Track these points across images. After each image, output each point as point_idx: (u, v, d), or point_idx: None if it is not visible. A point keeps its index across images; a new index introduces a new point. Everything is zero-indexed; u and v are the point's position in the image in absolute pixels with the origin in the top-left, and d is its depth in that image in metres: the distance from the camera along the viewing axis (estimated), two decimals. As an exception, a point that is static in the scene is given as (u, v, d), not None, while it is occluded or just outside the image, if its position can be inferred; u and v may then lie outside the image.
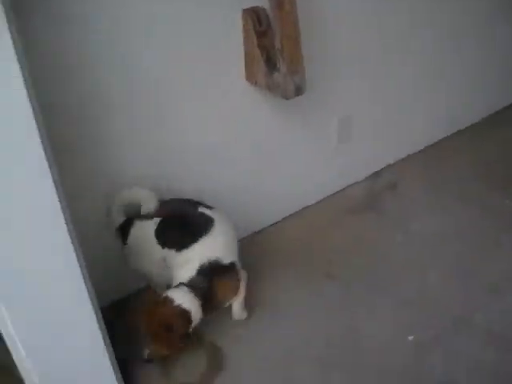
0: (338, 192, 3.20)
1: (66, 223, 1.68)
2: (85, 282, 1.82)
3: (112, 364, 2.08)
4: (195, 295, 2.22)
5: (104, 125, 2.23)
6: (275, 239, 2.90)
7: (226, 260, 2.32)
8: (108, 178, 2.33)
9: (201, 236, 2.30)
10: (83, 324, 1.91)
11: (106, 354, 2.03)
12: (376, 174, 3.36)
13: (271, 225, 2.97)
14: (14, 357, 1.96)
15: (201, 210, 2.36)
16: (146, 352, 2.24)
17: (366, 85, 2.98)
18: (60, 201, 1.63)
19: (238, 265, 2.39)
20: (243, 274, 2.45)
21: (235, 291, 2.42)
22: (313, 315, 2.59)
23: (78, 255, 1.76)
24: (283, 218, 3.04)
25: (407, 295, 2.64)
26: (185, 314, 2.21)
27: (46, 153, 1.55)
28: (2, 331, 1.85)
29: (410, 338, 2.48)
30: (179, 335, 2.21)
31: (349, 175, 3.22)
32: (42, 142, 1.54)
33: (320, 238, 2.95)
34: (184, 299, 2.21)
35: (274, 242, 2.89)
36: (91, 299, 1.87)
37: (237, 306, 2.48)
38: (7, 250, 1.60)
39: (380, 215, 3.10)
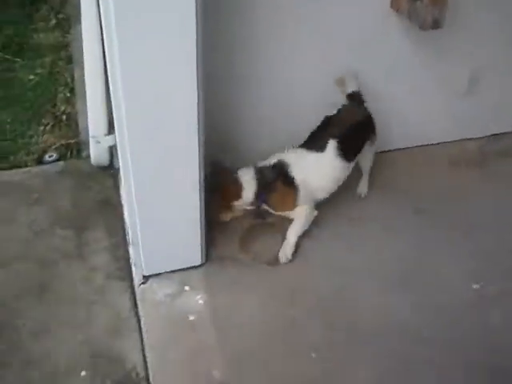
0: (451, 142, 3.20)
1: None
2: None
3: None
4: (257, 180, 2.51)
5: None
6: (381, 165, 2.98)
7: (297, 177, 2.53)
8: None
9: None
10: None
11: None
12: (494, 137, 3.31)
13: (383, 152, 3.04)
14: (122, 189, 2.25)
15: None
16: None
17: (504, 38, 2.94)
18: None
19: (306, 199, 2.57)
20: (308, 210, 2.59)
21: (289, 206, 2.57)
22: (391, 239, 2.71)
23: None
24: (395, 149, 3.11)
25: (485, 247, 2.68)
26: (236, 185, 2.52)
27: None
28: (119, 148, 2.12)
29: (475, 286, 2.52)
30: (222, 201, 2.53)
31: (467, 129, 3.20)
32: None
33: (421, 177, 3.02)
34: (245, 175, 2.53)
35: (380, 167, 2.97)
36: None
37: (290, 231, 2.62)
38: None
39: (484, 175, 3.08)
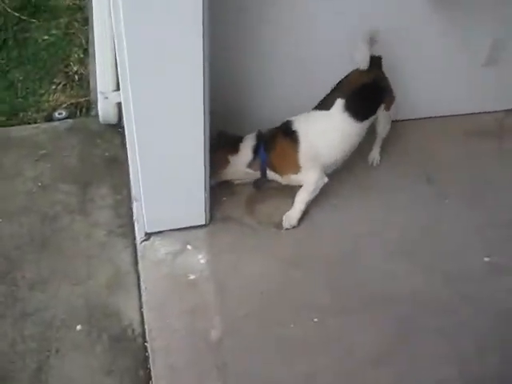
0: (467, 114, 3.04)
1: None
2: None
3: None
4: (257, 135, 2.46)
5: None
6: (395, 135, 2.83)
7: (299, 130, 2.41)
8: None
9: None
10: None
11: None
12: (512, 112, 3.15)
13: (396, 121, 2.88)
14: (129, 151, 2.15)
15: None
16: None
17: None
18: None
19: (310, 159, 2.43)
20: (317, 176, 2.44)
21: (292, 166, 2.42)
22: (401, 207, 2.59)
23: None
24: (409, 119, 2.96)
25: (500, 218, 2.56)
26: (236, 140, 2.46)
27: None
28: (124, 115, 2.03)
29: (486, 259, 2.39)
30: (220, 157, 2.41)
31: (485, 102, 3.04)
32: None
33: (435, 147, 2.88)
34: (247, 135, 2.47)
35: (394, 136, 2.83)
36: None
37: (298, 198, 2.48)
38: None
39: (500, 149, 2.93)
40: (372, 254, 2.40)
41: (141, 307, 2.22)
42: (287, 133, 2.42)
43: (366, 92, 2.47)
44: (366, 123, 2.51)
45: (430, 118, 3.00)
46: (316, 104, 2.50)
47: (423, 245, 2.45)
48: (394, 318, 2.21)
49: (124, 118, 2.14)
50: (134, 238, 2.43)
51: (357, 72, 2.49)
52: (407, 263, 2.37)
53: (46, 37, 3.55)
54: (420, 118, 2.98)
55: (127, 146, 2.16)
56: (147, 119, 2.05)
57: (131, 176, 2.25)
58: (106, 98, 2.66)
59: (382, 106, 2.56)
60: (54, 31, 3.58)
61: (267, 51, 2.54)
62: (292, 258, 2.38)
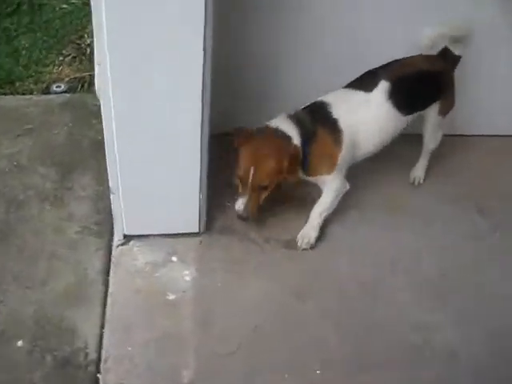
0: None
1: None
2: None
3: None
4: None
5: None
6: (445, 151, 2.29)
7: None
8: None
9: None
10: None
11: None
12: None
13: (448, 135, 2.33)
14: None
15: None
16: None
17: None
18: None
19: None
20: (339, 181, 1.94)
21: (329, 164, 1.89)
22: (438, 239, 2.07)
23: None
24: (463, 135, 2.42)
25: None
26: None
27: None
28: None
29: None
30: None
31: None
32: None
33: (491, 171, 2.32)
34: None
35: (444, 153, 2.29)
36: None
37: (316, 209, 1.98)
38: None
39: None
40: (396, 293, 1.89)
41: (102, 327, 1.74)
42: (327, 122, 1.88)
43: (419, 80, 1.95)
44: (409, 118, 1.99)
45: (494, 136, 2.44)
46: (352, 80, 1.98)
47: (462, 288, 1.91)
48: (420, 381, 1.68)
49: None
50: (111, 240, 1.95)
51: (419, 57, 1.99)
52: (440, 310, 1.84)
53: (64, 5, 3.14)
54: (475, 135, 2.43)
55: (102, 114, 1.68)
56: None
57: (107, 159, 1.76)
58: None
59: (436, 107, 2.03)
60: (73, 0, 3.17)
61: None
62: (299, 287, 1.87)
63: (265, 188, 1.84)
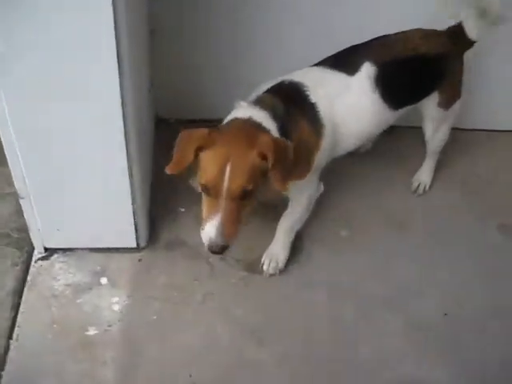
0: None
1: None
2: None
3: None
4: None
5: None
6: (458, 149, 1.84)
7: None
8: None
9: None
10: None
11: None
12: None
13: (461, 129, 1.88)
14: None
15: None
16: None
17: None
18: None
19: None
20: (312, 183, 1.46)
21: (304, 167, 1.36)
22: (446, 262, 1.61)
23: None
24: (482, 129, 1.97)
25: None
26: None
27: None
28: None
29: None
30: None
31: None
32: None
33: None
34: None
35: (456, 152, 1.84)
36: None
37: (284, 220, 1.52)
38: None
39: None
40: (387, 338, 1.43)
41: (3, 363, 1.35)
42: (303, 107, 1.37)
43: (414, 65, 1.45)
44: (402, 111, 1.50)
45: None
46: (330, 56, 1.47)
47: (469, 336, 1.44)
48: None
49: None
50: (31, 252, 1.55)
51: (416, 32, 1.48)
52: (440, 365, 1.37)
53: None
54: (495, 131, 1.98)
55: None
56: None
57: (7, 156, 1.34)
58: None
59: (435, 97, 1.54)
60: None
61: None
62: (256, 327, 1.44)
63: (248, 195, 1.22)
